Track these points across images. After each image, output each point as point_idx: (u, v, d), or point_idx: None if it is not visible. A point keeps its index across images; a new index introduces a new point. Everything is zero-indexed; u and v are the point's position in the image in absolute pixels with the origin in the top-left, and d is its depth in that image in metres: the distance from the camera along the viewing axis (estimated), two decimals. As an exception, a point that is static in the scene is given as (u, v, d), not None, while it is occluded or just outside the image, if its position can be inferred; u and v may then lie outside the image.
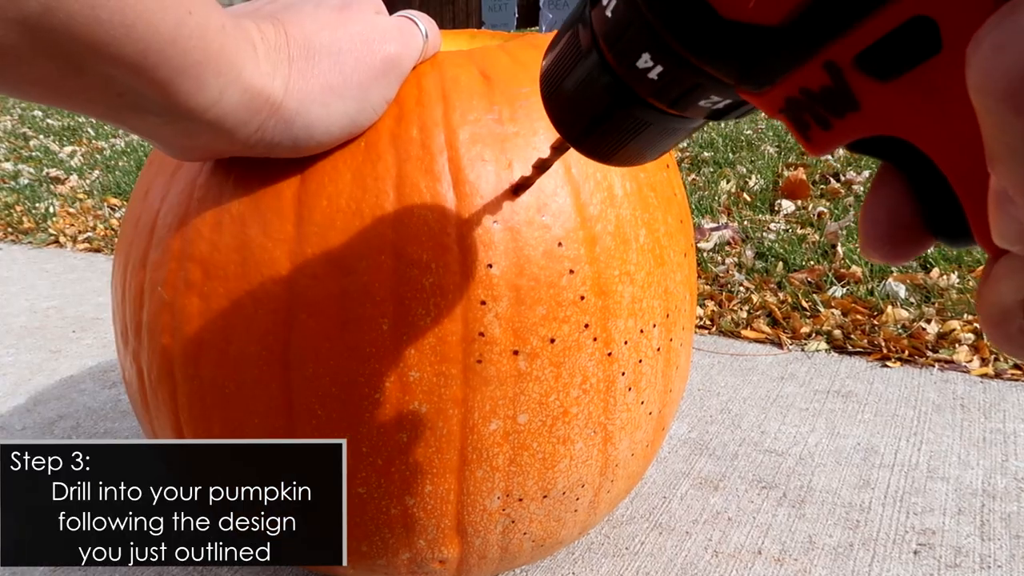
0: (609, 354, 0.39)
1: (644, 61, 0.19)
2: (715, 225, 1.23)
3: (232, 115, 0.32)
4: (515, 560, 0.44)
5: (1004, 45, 0.11)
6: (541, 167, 0.35)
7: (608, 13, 0.19)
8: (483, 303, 0.36)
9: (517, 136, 0.38)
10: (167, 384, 0.39)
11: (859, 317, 0.90)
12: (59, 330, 0.98)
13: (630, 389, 0.41)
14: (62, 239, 1.37)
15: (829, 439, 0.68)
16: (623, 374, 0.40)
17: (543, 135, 0.38)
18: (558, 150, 0.32)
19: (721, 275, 1.05)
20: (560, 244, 0.37)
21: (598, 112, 0.23)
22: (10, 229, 1.44)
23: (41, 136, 2.48)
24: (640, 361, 0.41)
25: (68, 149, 2.24)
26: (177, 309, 0.38)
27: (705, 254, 1.13)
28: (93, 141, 2.38)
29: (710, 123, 0.23)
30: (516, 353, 0.37)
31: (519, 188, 0.37)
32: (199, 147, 0.35)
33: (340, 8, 0.36)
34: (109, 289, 0.97)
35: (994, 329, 0.15)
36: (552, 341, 0.37)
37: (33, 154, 2.20)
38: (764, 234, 1.20)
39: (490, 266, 0.36)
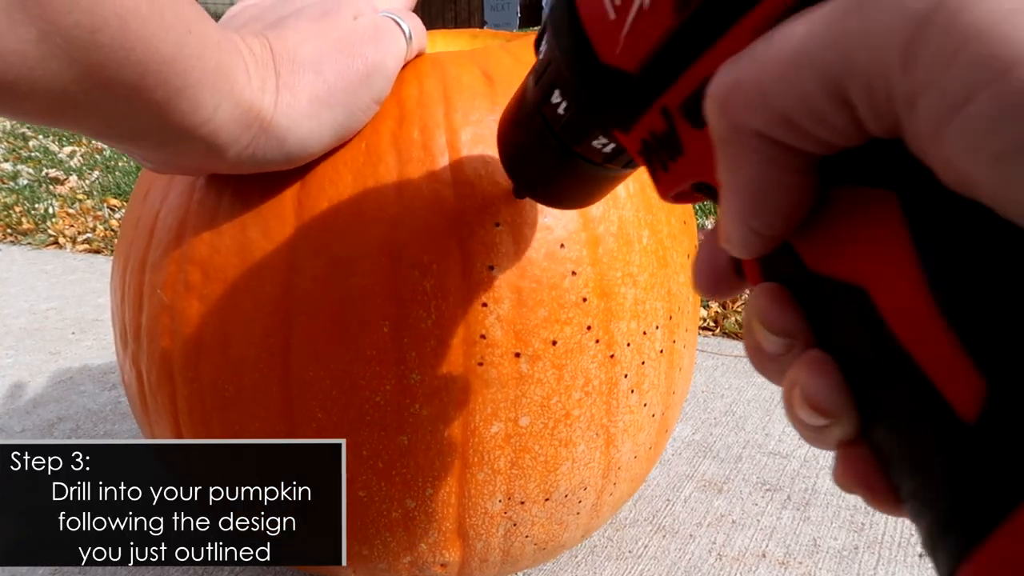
0: (611, 356, 0.39)
1: (556, 96, 0.23)
2: (719, 225, 1.22)
3: (225, 131, 0.32)
4: (517, 563, 0.44)
5: (735, 61, 0.15)
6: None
7: (540, 54, 0.24)
8: (484, 305, 0.36)
9: (519, 137, 0.37)
10: (166, 387, 0.39)
11: (864, 318, 0.89)
12: (58, 332, 0.98)
13: (633, 391, 0.41)
14: (61, 240, 1.37)
15: (833, 441, 0.67)
16: (626, 376, 0.40)
17: (545, 136, 0.38)
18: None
19: (725, 275, 1.05)
20: (562, 246, 0.37)
21: (523, 146, 0.27)
22: (9, 230, 1.44)
23: (40, 136, 2.48)
24: (643, 363, 0.40)
25: (68, 149, 2.24)
26: (176, 311, 0.38)
27: (709, 254, 1.13)
28: (93, 141, 2.38)
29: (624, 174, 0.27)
30: (518, 355, 0.37)
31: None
32: (187, 164, 0.34)
33: (319, 17, 0.35)
34: (109, 291, 0.94)
35: (744, 346, 0.18)
36: (554, 343, 0.37)
37: (32, 154, 2.19)
38: (768, 234, 1.20)
39: (491, 268, 0.36)
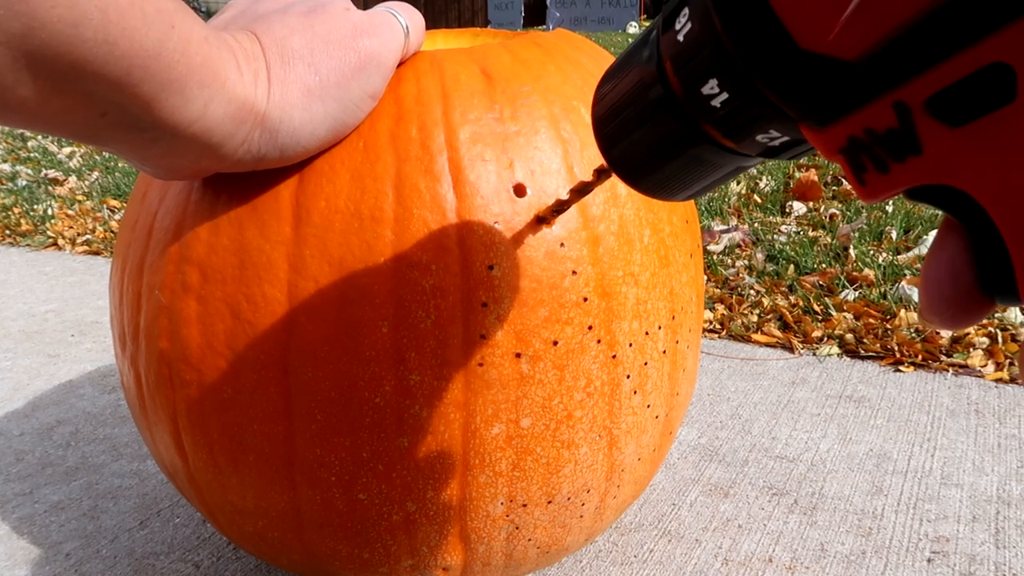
0: (613, 356, 0.38)
1: (710, 87, 0.19)
2: (725, 227, 1.22)
3: (218, 128, 0.32)
4: (520, 567, 0.44)
5: None
6: (580, 191, 0.34)
7: (680, 36, 0.19)
8: (484, 305, 0.35)
9: (518, 135, 0.37)
10: (165, 389, 0.39)
11: (872, 321, 0.88)
12: (58, 334, 0.98)
13: (635, 392, 0.40)
14: (61, 241, 1.37)
15: (841, 445, 0.67)
16: (628, 377, 0.39)
17: (544, 134, 0.37)
18: (601, 175, 0.31)
19: (731, 278, 1.04)
20: (562, 244, 0.36)
21: (649, 139, 0.22)
22: (8, 231, 1.44)
23: (39, 137, 2.49)
24: (645, 364, 0.40)
25: (67, 150, 2.25)
26: (175, 313, 0.38)
27: (715, 257, 1.12)
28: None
29: (764, 162, 0.22)
30: (518, 356, 0.36)
31: (556, 211, 0.36)
32: (185, 166, 0.34)
33: (308, 12, 0.35)
34: (108, 292, 0.92)
35: None
36: (555, 343, 0.37)
37: (31, 155, 2.20)
38: (775, 236, 1.19)
39: (491, 267, 0.35)
